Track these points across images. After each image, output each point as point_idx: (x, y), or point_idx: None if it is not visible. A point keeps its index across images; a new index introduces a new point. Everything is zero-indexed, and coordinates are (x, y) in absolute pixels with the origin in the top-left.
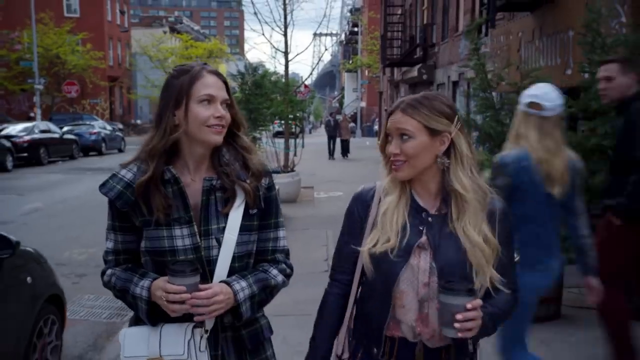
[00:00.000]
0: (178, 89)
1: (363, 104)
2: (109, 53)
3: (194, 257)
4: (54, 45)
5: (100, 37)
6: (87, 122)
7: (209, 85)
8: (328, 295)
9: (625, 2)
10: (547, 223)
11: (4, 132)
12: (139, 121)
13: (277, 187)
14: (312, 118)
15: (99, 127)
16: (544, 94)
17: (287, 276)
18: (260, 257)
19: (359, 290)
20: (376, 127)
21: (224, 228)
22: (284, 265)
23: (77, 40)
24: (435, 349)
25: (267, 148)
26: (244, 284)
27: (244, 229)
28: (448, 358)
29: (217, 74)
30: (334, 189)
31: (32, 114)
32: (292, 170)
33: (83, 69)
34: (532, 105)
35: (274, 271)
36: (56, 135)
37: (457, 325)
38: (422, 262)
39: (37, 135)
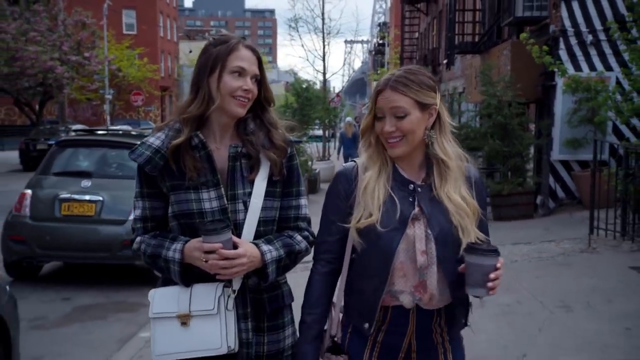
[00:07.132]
0: (214, 57)
1: None
2: (161, 65)
3: (222, 219)
4: (115, 59)
5: (154, 51)
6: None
7: (243, 58)
8: (314, 275)
9: (509, 58)
10: None
11: None
12: None
13: (317, 169)
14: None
15: None
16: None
17: (310, 244)
18: (283, 224)
19: (351, 267)
20: None
21: (250, 193)
22: (307, 233)
23: (134, 55)
24: (427, 311)
25: (310, 144)
26: (271, 246)
27: (268, 194)
28: (439, 318)
29: (253, 49)
30: None
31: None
32: (328, 159)
33: (140, 80)
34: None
35: (299, 237)
36: None
37: (490, 284)
38: (417, 231)
39: None
